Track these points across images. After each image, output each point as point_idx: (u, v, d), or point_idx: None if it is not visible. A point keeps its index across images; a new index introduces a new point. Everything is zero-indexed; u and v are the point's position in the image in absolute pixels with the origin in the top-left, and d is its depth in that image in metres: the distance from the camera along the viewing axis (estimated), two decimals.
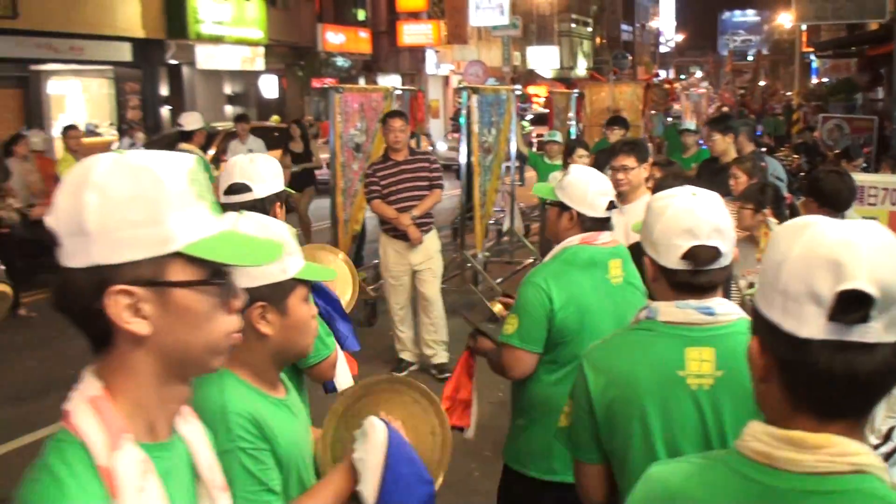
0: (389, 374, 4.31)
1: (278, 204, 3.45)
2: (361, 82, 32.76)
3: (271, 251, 1.53)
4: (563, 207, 3.64)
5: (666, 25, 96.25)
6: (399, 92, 11.37)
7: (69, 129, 11.16)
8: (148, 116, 25.34)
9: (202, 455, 1.57)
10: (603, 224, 3.64)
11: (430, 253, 8.16)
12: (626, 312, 3.23)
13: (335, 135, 9.38)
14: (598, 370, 2.47)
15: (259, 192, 3.37)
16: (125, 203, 1.35)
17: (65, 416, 1.39)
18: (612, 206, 3.64)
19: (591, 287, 3.56)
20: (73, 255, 1.37)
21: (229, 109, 30.20)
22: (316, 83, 33.86)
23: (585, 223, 3.60)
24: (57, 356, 8.46)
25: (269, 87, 31.78)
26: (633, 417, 2.38)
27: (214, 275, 1.44)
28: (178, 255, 1.40)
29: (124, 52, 24.37)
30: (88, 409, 1.39)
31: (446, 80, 42.97)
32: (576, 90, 16.81)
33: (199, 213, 1.44)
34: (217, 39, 26.68)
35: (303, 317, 2.22)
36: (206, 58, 26.77)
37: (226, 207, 3.20)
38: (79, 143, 10.94)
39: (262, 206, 3.34)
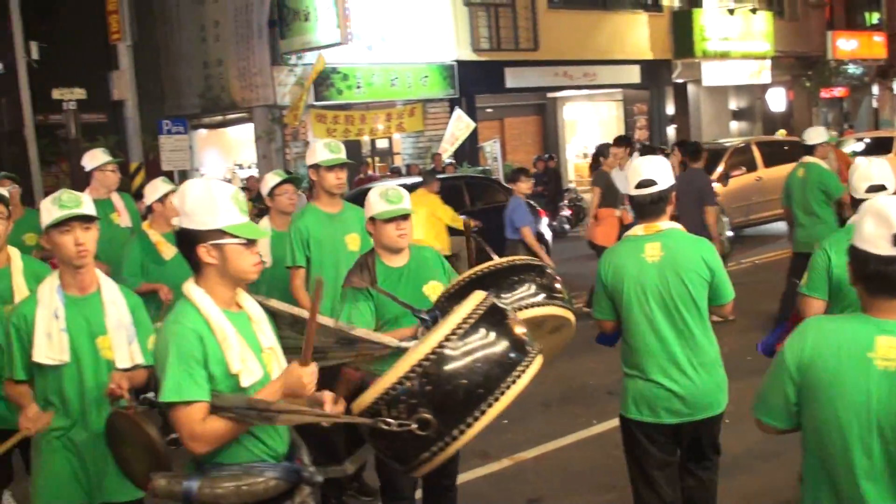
0: None
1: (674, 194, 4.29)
2: (874, 90, 30.61)
3: None
4: None
5: None
6: None
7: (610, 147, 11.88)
8: (654, 135, 25.93)
9: None
10: None
11: None
12: None
13: None
14: None
15: (662, 185, 4.18)
16: None
17: None
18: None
19: None
20: None
21: (734, 125, 29.87)
22: (825, 93, 32.27)
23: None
24: (579, 368, 8.92)
25: (776, 100, 30.87)
26: None
27: None
28: None
29: (633, 75, 25.22)
30: None
31: None
32: None
33: None
34: (723, 55, 26.55)
35: None
36: (712, 74, 26.75)
37: (637, 199, 4.22)
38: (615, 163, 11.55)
39: (668, 196, 4.22)
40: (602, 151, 11.49)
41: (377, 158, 22.32)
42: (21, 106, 16.26)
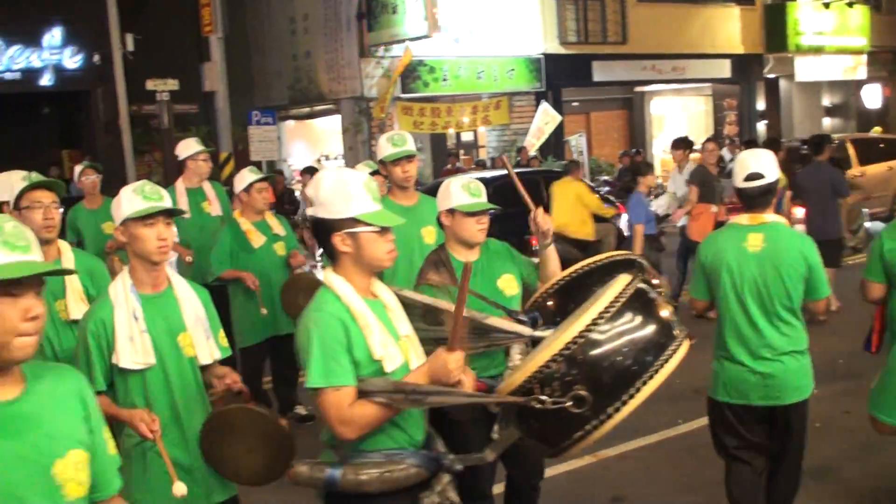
0: None
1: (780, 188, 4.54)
2: None
3: None
4: None
5: None
6: None
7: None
8: (744, 131, 25.43)
9: None
10: None
11: None
12: None
13: None
14: None
15: (769, 178, 4.37)
16: None
17: None
18: None
19: None
20: None
21: (827, 122, 29.13)
22: None
23: None
24: None
25: (871, 96, 29.98)
26: None
27: None
28: None
29: (723, 69, 24.77)
30: None
31: None
32: None
33: None
34: (817, 50, 25.92)
35: None
36: (805, 69, 26.14)
37: (744, 191, 4.40)
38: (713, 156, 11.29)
39: (774, 189, 4.42)
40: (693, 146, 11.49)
41: (462, 151, 22.32)
42: (116, 96, 16.68)
